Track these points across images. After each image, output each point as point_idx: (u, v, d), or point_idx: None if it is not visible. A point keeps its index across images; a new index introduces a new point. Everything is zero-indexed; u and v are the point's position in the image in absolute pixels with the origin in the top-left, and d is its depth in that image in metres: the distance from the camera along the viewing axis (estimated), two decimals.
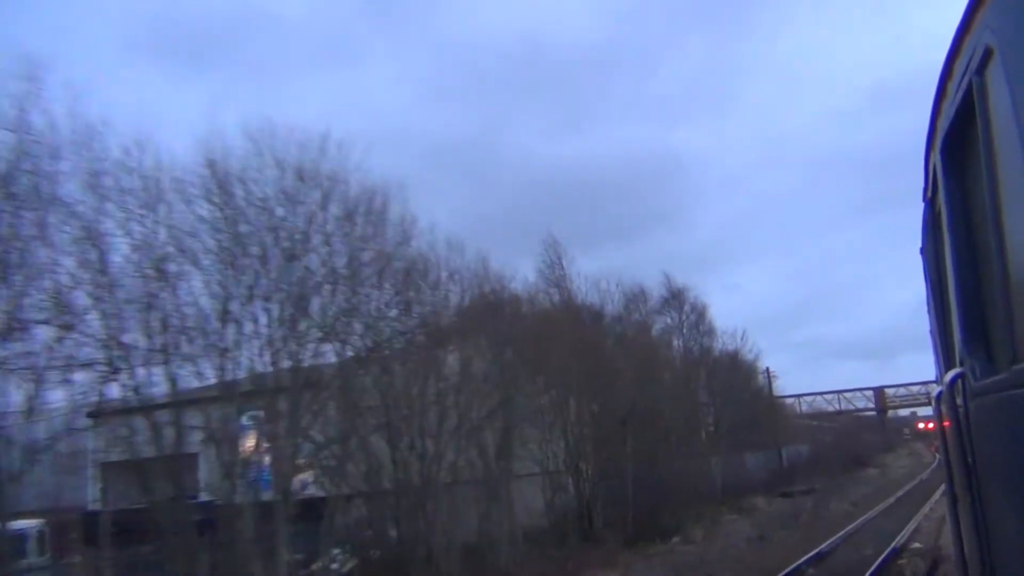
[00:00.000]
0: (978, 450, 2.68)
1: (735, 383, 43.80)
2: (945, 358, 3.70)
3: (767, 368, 54.41)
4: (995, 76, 2.07)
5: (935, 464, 57.93)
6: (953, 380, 2.82)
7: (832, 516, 28.11)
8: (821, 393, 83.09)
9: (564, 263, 32.28)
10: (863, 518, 25.93)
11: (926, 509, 27.47)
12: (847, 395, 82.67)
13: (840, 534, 21.60)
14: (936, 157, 3.08)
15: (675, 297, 42.81)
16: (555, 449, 24.35)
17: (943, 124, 2.85)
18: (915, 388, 74.93)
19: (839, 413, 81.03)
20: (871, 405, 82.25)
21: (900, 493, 36.90)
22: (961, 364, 2.79)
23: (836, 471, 52.84)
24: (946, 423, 3.28)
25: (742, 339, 46.46)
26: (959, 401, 2.84)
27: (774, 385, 55.08)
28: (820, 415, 76.03)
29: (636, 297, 41.07)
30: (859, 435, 77.35)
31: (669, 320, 43.05)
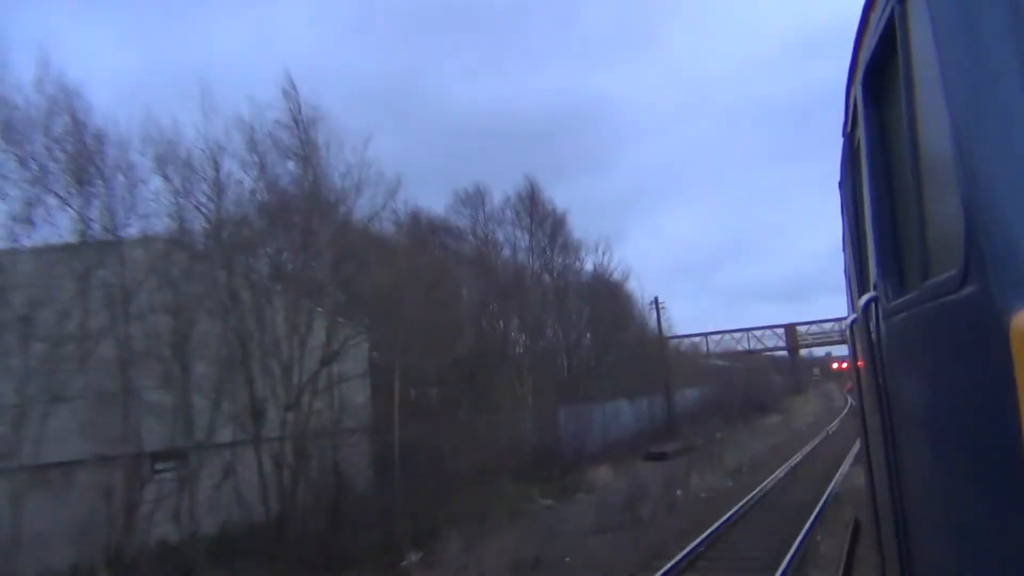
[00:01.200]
0: (890, 375, 2.78)
1: (601, 314, 33.42)
2: (860, 289, 3.75)
3: (656, 299, 44.56)
4: (916, 5, 2.10)
5: (847, 409, 49.70)
6: (867, 304, 2.95)
7: (694, 499, 19.75)
8: (729, 331, 74.65)
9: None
10: (736, 508, 17.17)
11: (834, 486, 19.30)
12: (756, 333, 73.99)
13: (680, 557, 12.67)
14: (857, 90, 3.17)
15: (524, 202, 31.94)
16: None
17: (864, 56, 2.92)
18: (828, 325, 67.09)
19: (748, 353, 72.78)
20: (783, 344, 73.90)
21: (798, 457, 27.38)
22: (875, 289, 2.89)
23: (733, 420, 43.88)
24: (860, 363, 3.50)
25: (604, 254, 35.83)
26: (872, 325, 2.95)
27: (664, 319, 45.15)
28: (729, 355, 67.72)
29: (471, 199, 30.43)
30: (765, 377, 69.23)
31: (520, 233, 32.34)
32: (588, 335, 35.10)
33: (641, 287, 43.21)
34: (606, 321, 35.07)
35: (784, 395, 72.06)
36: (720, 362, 65.05)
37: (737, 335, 74.01)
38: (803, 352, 79.19)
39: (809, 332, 71.45)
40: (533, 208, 32.21)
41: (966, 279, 1.72)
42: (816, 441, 33.03)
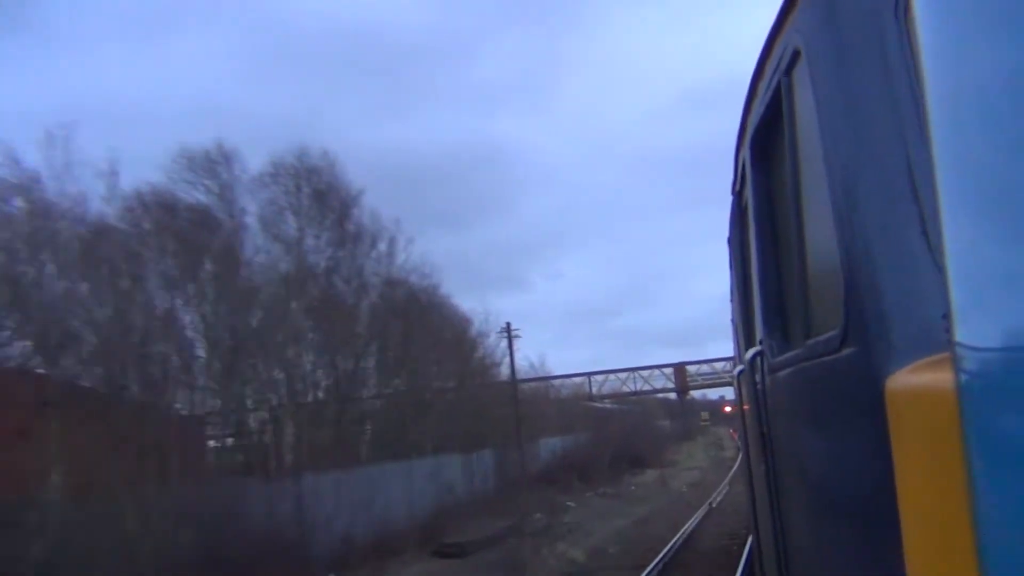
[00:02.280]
0: (774, 426, 3.00)
1: (416, 335, 23.36)
2: (746, 341, 4.01)
3: (507, 325, 34.84)
4: (801, 77, 2.33)
5: (738, 463, 40.88)
6: (753, 357, 3.23)
7: None
8: (614, 371, 65.59)
9: None
10: None
11: None
12: (643, 373, 65.31)
13: None
14: (745, 152, 3.40)
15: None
16: None
17: (752, 121, 3.18)
18: (719, 364, 58.70)
19: (635, 395, 63.76)
20: (672, 385, 65.16)
21: (667, 549, 17.31)
22: (760, 343, 3.12)
23: (598, 478, 34.10)
24: (745, 406, 3.81)
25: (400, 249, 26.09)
26: (758, 378, 3.24)
27: (523, 356, 35.45)
28: (616, 397, 58.83)
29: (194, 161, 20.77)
30: (648, 421, 60.55)
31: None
32: (401, 368, 24.64)
33: (487, 319, 33.27)
34: (421, 345, 24.79)
35: (670, 442, 63.31)
36: (607, 404, 55.87)
37: (623, 375, 65.10)
38: (695, 394, 71.13)
39: (699, 372, 63.52)
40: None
41: (845, 340, 1.88)
42: (694, 521, 23.12)
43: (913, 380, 1.52)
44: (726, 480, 38.04)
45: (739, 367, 4.11)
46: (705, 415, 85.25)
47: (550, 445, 39.89)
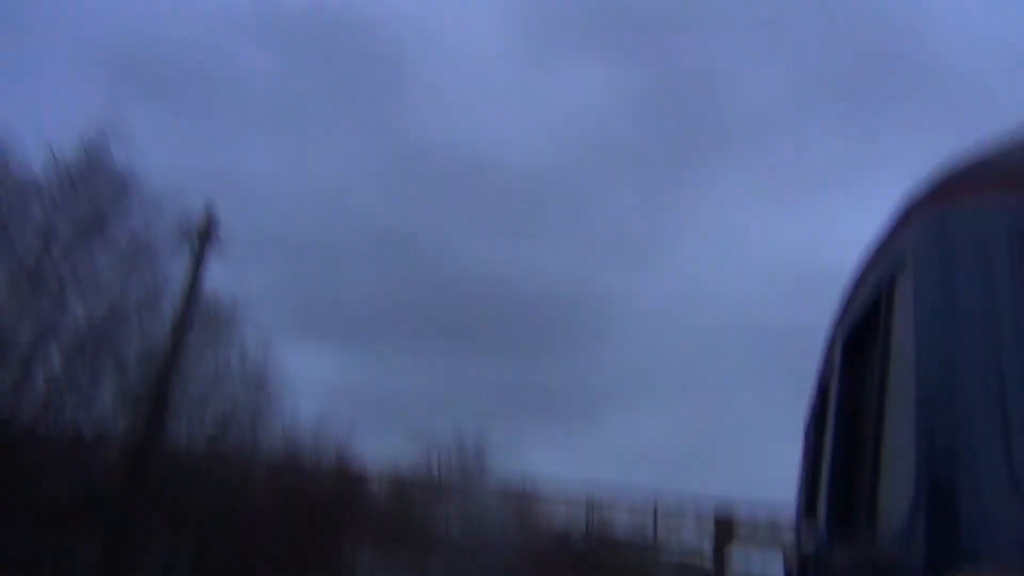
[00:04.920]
0: None
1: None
2: (808, 532, 4.06)
3: None
4: (904, 288, 2.41)
5: None
6: (812, 551, 3.37)
7: None
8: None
9: None
10: None
11: None
12: (670, 508, 43.31)
13: None
14: (837, 348, 3.48)
15: None
16: None
17: (849, 318, 3.26)
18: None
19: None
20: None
21: None
22: (819, 537, 3.28)
23: None
24: None
25: None
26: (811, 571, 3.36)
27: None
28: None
29: None
30: None
31: None
32: None
33: None
34: None
35: None
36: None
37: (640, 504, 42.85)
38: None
39: (756, 520, 41.01)
40: None
41: (908, 543, 1.97)
42: None
43: None
44: None
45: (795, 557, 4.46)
46: None
47: None
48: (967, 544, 1.68)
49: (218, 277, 19.73)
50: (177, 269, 17.66)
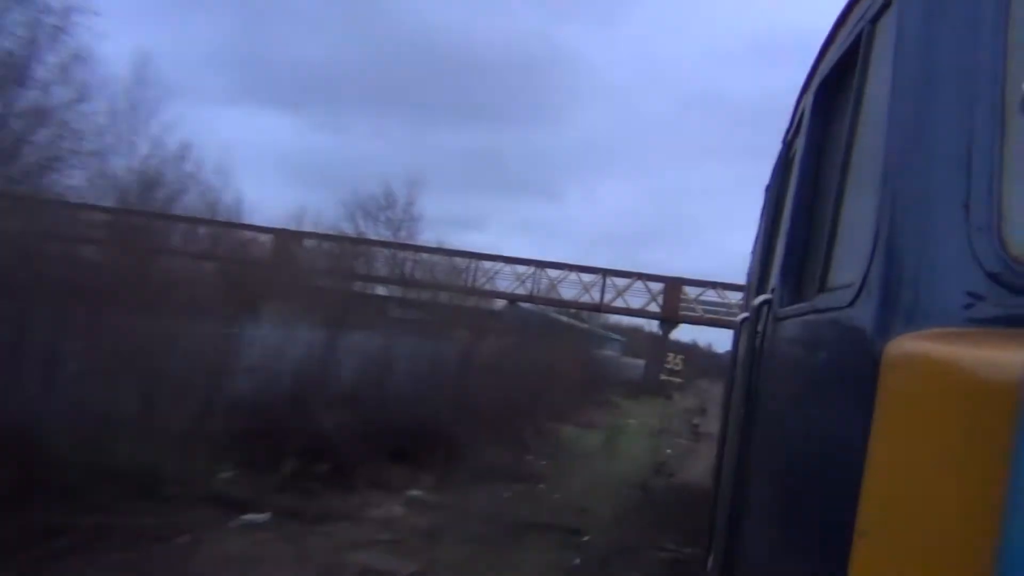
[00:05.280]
0: (763, 375, 3.07)
1: None
2: (758, 291, 4.01)
3: None
4: (885, 28, 2.27)
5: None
6: (760, 304, 3.21)
7: None
8: (574, 268, 43.12)
9: None
10: None
11: None
12: (619, 282, 43.30)
13: None
14: (808, 99, 3.36)
15: None
16: None
17: (823, 68, 3.10)
18: (733, 296, 36.18)
19: (593, 308, 42.11)
20: (655, 308, 43.07)
21: None
22: (771, 292, 3.15)
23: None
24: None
25: None
26: (760, 327, 3.23)
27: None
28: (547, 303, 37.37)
29: None
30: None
31: None
32: None
33: None
34: None
35: (601, 389, 36.01)
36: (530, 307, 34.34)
37: (588, 277, 42.67)
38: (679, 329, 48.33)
39: (701, 299, 40.87)
40: None
41: (856, 299, 1.87)
42: None
43: (914, 347, 1.52)
44: None
45: (743, 315, 4.34)
46: (677, 360, 51.92)
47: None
48: (916, 305, 1.62)
49: None
50: None
